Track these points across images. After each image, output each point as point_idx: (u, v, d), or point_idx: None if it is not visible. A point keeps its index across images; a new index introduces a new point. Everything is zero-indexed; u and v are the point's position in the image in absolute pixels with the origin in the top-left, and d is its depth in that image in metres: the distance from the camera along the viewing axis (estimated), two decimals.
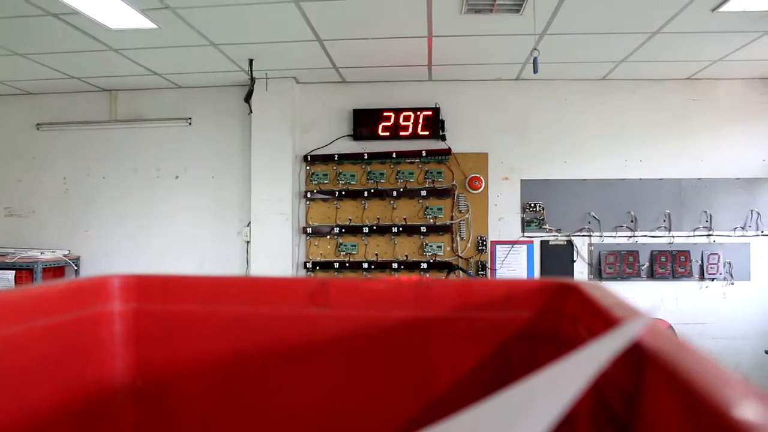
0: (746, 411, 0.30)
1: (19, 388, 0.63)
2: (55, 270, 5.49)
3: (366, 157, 5.34)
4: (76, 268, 5.58)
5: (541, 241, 5.33)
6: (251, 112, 5.25)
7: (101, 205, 5.69)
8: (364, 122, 5.36)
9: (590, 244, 5.29)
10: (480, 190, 5.33)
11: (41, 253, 5.36)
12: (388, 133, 5.32)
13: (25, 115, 5.79)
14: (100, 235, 5.69)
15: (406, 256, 5.33)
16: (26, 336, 0.64)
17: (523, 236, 5.33)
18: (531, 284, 0.71)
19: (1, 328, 0.61)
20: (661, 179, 5.25)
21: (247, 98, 5.07)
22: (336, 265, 5.35)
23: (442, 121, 5.32)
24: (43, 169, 5.78)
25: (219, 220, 5.56)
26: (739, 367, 5.08)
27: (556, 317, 0.69)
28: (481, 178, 5.32)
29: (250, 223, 5.40)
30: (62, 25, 3.94)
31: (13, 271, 5.13)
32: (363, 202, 5.37)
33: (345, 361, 0.73)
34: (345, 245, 5.37)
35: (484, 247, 5.32)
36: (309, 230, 5.39)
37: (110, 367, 0.76)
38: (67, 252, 5.60)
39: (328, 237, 5.41)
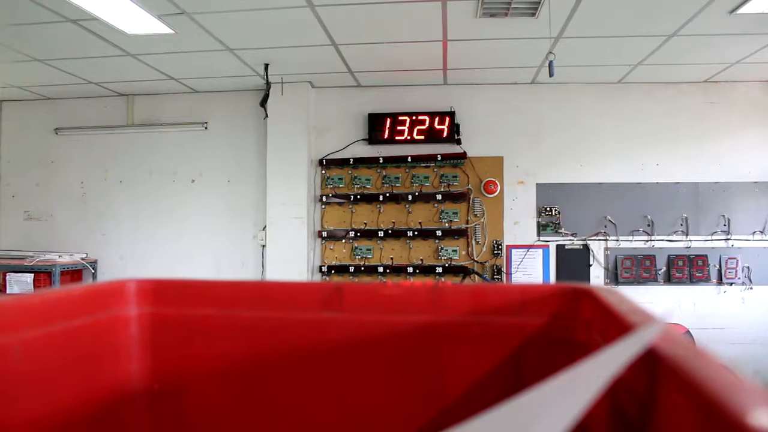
0: (761, 418, 0.30)
1: (38, 391, 0.64)
2: (73, 273, 5.54)
3: (381, 161, 5.34)
4: (93, 271, 5.63)
5: (557, 246, 5.30)
6: (267, 116, 5.26)
7: (118, 208, 5.74)
8: (379, 126, 5.37)
9: (606, 249, 5.25)
10: (495, 194, 5.31)
11: (59, 256, 5.41)
12: (403, 137, 5.33)
13: (44, 120, 5.86)
14: (117, 239, 5.73)
15: (422, 260, 5.32)
16: (45, 339, 0.65)
17: (538, 240, 5.31)
18: (545, 289, 0.71)
19: (21, 332, 0.62)
20: (677, 183, 5.21)
21: (263, 103, 5.09)
22: (351, 269, 5.35)
23: (458, 125, 5.31)
24: (62, 173, 5.84)
25: (234, 224, 5.58)
26: (759, 373, 5.01)
27: (571, 322, 0.69)
28: (497, 182, 5.30)
29: (265, 227, 5.42)
30: (81, 31, 3.98)
31: (32, 274, 5.19)
32: (378, 206, 5.37)
33: (359, 365, 0.73)
34: (360, 249, 5.37)
35: (499, 252, 5.31)
36: (324, 234, 5.40)
37: (127, 370, 0.77)
38: (85, 255, 5.65)
39: (344, 241, 5.42)
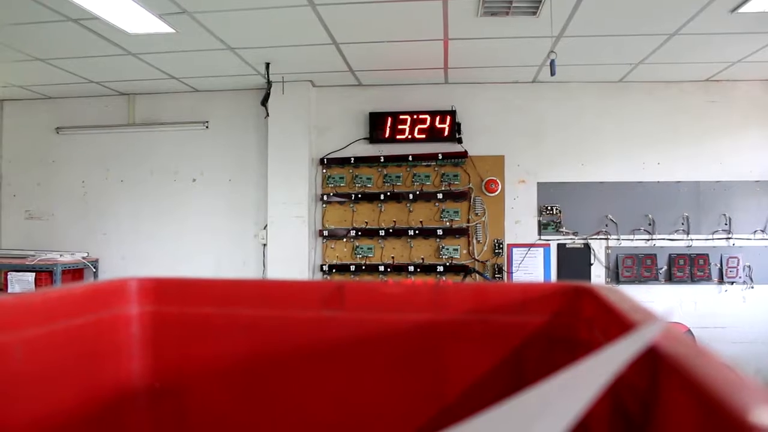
0: (762, 416, 0.30)
1: (39, 390, 0.64)
2: (74, 272, 5.55)
3: (382, 160, 5.34)
4: (94, 270, 5.63)
5: (558, 245, 5.30)
6: (268, 115, 5.26)
7: (119, 207, 5.74)
8: (380, 125, 5.36)
9: (608, 248, 5.25)
10: (496, 192, 5.31)
11: (60, 255, 5.41)
12: (404, 136, 5.32)
13: (45, 119, 5.86)
14: (118, 238, 5.73)
15: (423, 259, 5.32)
16: (47, 338, 0.65)
17: (539, 239, 5.31)
18: (546, 287, 0.71)
19: (23, 331, 0.62)
20: (679, 182, 5.21)
21: (264, 102, 5.09)
22: (352, 267, 5.35)
23: (459, 124, 5.31)
24: (63, 172, 5.84)
25: (235, 223, 5.58)
26: (760, 372, 5.01)
27: (572, 321, 0.69)
28: (498, 180, 5.30)
29: (266, 226, 5.42)
30: (82, 30, 3.98)
31: (33, 274, 5.20)
32: (379, 204, 5.37)
33: (360, 364, 0.73)
34: (361, 248, 5.37)
35: (500, 251, 5.30)
36: (325, 233, 5.40)
37: (128, 369, 0.77)
38: (86, 254, 5.65)
39: (345, 240, 5.41)
